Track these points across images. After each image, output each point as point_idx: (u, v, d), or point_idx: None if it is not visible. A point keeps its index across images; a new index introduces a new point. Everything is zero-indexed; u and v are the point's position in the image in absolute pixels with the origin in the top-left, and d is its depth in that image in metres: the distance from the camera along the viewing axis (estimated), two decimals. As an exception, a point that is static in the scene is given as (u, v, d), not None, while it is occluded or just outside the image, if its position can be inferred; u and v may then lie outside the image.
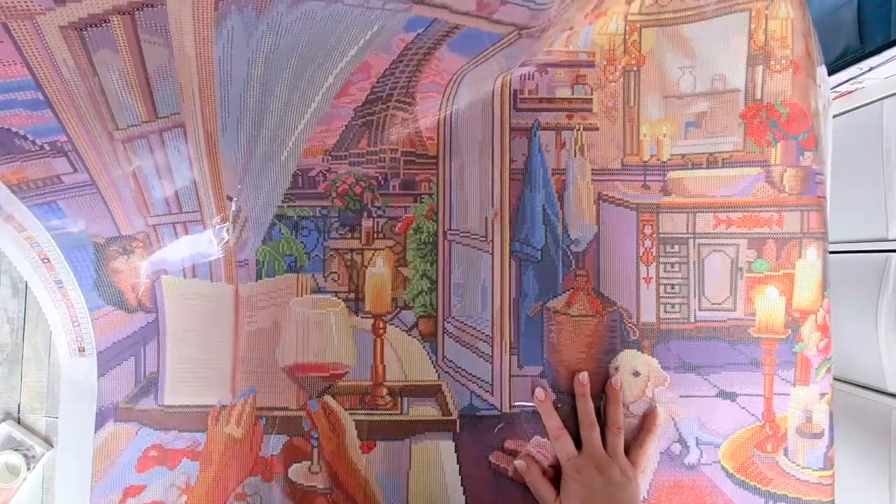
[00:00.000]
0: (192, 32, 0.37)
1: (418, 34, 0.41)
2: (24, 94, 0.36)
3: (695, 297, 0.46)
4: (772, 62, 0.44)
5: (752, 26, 0.44)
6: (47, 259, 0.44)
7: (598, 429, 0.43)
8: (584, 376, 0.44)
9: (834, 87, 0.68)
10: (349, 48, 0.41)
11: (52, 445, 0.51)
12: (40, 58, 0.35)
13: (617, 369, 0.45)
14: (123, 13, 0.34)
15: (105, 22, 0.35)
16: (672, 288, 0.46)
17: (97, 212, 0.43)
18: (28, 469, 0.50)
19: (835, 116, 0.74)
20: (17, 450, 0.50)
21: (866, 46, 0.99)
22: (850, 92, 0.71)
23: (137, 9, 0.35)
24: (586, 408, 0.44)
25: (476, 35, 0.41)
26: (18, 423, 0.52)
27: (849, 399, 0.73)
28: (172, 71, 0.38)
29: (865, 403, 0.72)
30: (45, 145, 0.39)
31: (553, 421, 0.44)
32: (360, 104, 0.45)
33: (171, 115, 0.41)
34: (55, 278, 0.44)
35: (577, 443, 0.44)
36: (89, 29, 0.35)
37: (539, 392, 0.45)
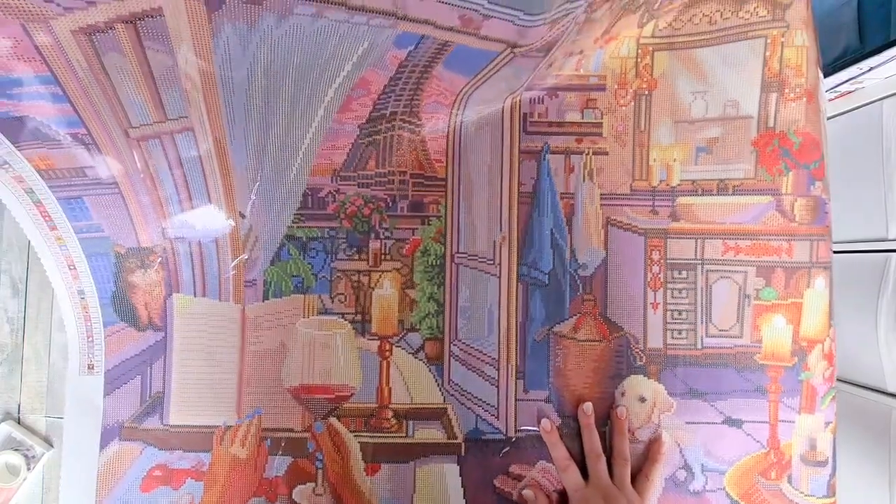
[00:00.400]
0: (190, 42, 0.38)
1: (410, 51, 0.41)
2: (46, 87, 0.39)
3: (702, 323, 0.47)
4: (786, 90, 0.44)
5: (768, 53, 0.44)
6: (73, 266, 0.45)
7: (604, 459, 0.44)
8: (588, 407, 0.45)
9: (834, 87, 0.68)
10: (344, 63, 0.42)
11: (52, 445, 0.51)
12: (56, 57, 0.37)
13: (623, 395, 0.46)
14: (126, 22, 0.36)
15: (111, 29, 0.37)
16: (679, 314, 0.47)
17: (119, 216, 0.45)
18: (28, 469, 0.51)
19: (835, 116, 0.74)
20: (17, 450, 0.51)
21: (866, 46, 0.99)
22: (850, 92, 0.72)
23: (139, 18, 0.37)
24: (592, 439, 0.44)
25: (469, 52, 0.41)
26: (18, 423, 0.52)
27: (849, 399, 0.74)
28: (177, 78, 0.40)
29: (865, 403, 0.73)
30: (68, 135, 0.42)
31: (559, 452, 0.44)
32: (364, 121, 0.46)
33: (179, 118, 0.43)
34: (78, 288, 0.45)
35: (584, 472, 0.44)
36: (97, 34, 0.37)
37: (545, 423, 0.45)
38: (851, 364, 0.57)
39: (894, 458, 0.68)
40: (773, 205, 0.45)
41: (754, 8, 0.44)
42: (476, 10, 0.37)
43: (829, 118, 0.46)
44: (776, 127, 0.45)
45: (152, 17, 0.36)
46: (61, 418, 0.54)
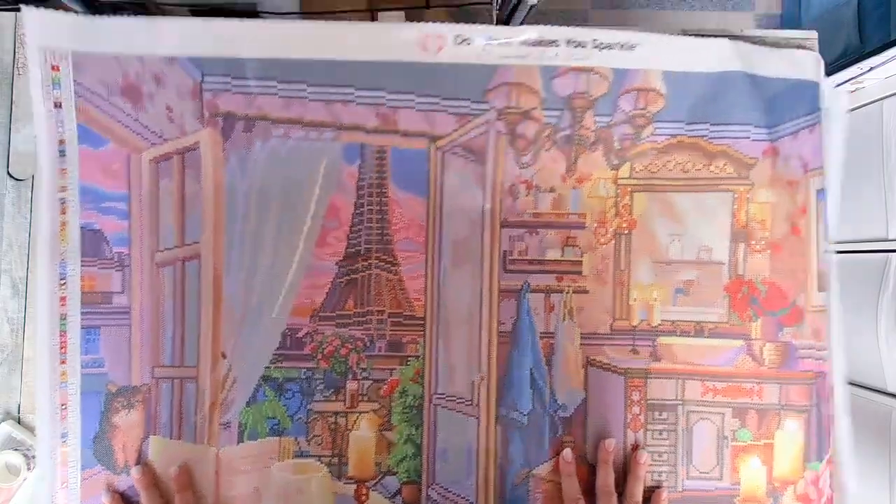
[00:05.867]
0: (211, 169, 0.52)
1: (359, 165, 0.53)
2: (119, 204, 0.52)
3: (682, 465, 0.54)
4: (752, 242, 0.53)
5: (735, 206, 0.53)
6: (65, 405, 0.50)
7: (615, 498, 0.50)
8: (610, 443, 0.52)
9: (834, 87, 0.77)
10: (313, 186, 0.53)
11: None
12: (134, 179, 0.52)
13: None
14: (179, 153, 0.52)
15: (169, 158, 0.52)
16: (660, 456, 0.54)
17: (122, 350, 0.52)
18: (28, 469, 0.56)
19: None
20: (17, 450, 0.56)
21: (866, 46, 1.10)
22: (850, 92, 0.80)
23: (187, 150, 0.52)
24: (607, 475, 0.51)
25: (402, 157, 0.53)
26: (18, 423, 0.57)
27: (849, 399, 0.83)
28: (200, 200, 0.52)
29: (865, 403, 0.81)
30: (116, 255, 0.52)
31: (572, 485, 0.51)
32: (342, 258, 0.53)
33: (193, 244, 0.52)
34: (63, 430, 0.50)
35: None
36: (162, 162, 0.52)
37: (566, 453, 0.52)
38: (851, 364, 0.65)
39: (894, 458, 0.76)
40: (744, 349, 0.53)
41: (723, 165, 0.53)
42: (382, 104, 0.52)
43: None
44: (745, 275, 0.53)
45: (194, 149, 0.52)
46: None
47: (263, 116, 0.52)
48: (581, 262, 0.54)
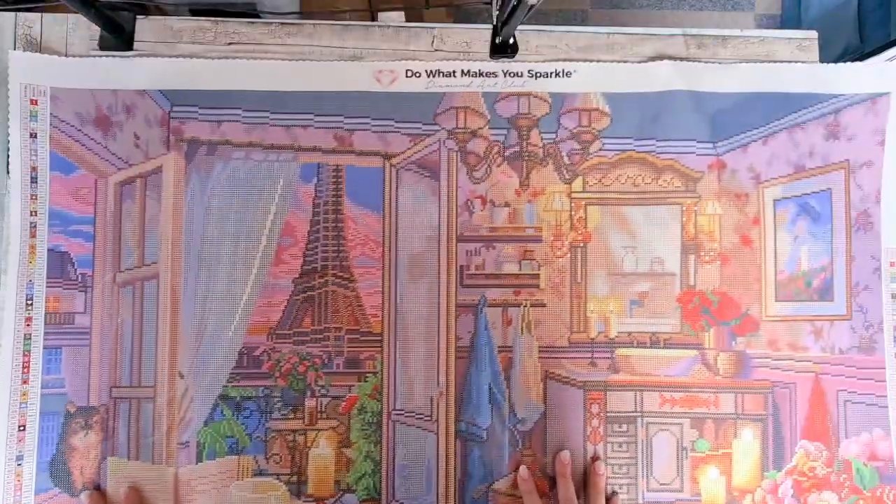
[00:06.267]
0: (172, 191, 0.54)
1: (316, 184, 0.55)
2: (86, 227, 0.54)
3: (643, 477, 0.54)
4: (702, 253, 0.55)
5: (684, 219, 0.55)
6: (23, 426, 0.51)
7: None
8: (566, 455, 0.53)
9: None
10: (269, 206, 0.55)
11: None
12: (100, 203, 0.54)
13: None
14: (143, 177, 0.55)
15: (133, 182, 0.55)
16: (620, 468, 0.54)
17: (82, 369, 0.53)
18: None
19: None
20: None
21: (866, 46, 1.11)
22: None
23: (151, 174, 0.55)
24: (568, 488, 0.51)
25: (358, 175, 0.55)
26: None
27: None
28: (157, 223, 0.54)
29: None
30: (80, 276, 0.54)
31: (534, 501, 0.51)
32: (298, 275, 0.54)
33: (152, 264, 0.54)
34: (18, 452, 0.51)
35: None
36: (126, 185, 0.55)
37: (523, 471, 0.52)
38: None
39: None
40: (698, 358, 0.54)
41: (670, 178, 0.55)
42: (340, 127, 0.55)
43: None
44: (696, 286, 0.55)
45: (157, 173, 0.55)
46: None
47: (226, 141, 0.55)
48: (538, 275, 0.56)
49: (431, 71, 0.55)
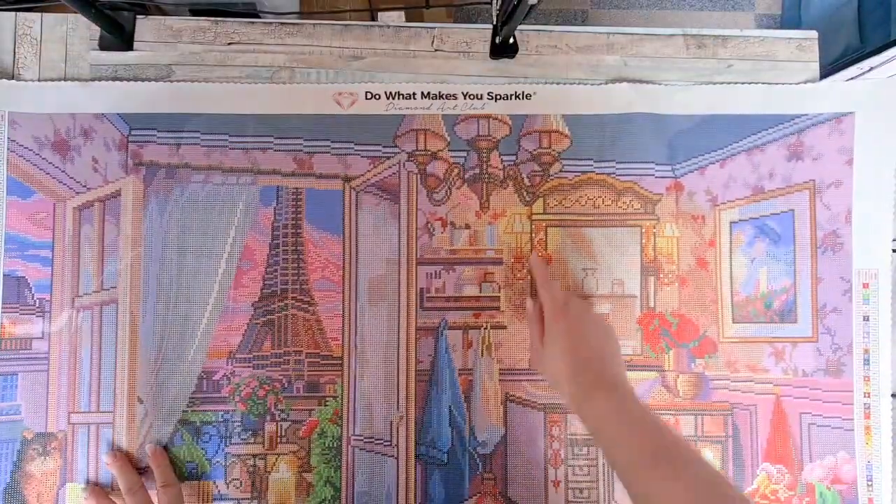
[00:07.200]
0: (130, 214, 0.55)
1: (275, 207, 0.56)
2: (44, 251, 0.55)
3: (604, 500, 0.55)
4: (661, 275, 0.55)
5: (644, 241, 0.56)
6: None
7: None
8: (534, 255, 0.56)
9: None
10: (228, 229, 0.56)
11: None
12: (58, 227, 0.55)
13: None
14: (101, 201, 0.55)
15: (91, 206, 0.55)
16: (580, 492, 0.55)
17: (39, 395, 0.54)
18: None
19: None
20: None
21: (866, 46, 1.12)
22: None
23: (110, 198, 0.55)
24: (542, 270, 0.55)
25: (318, 197, 0.56)
26: None
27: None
28: (117, 248, 0.55)
29: None
30: (38, 301, 0.54)
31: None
32: (258, 298, 0.55)
33: (111, 289, 0.55)
34: None
35: None
36: (84, 210, 0.55)
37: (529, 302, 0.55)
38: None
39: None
40: (658, 380, 0.55)
41: (630, 200, 0.56)
42: (300, 150, 0.56)
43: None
44: (656, 308, 0.55)
45: (115, 197, 0.55)
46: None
47: (185, 164, 0.55)
48: (499, 297, 0.57)
49: (391, 93, 0.56)
